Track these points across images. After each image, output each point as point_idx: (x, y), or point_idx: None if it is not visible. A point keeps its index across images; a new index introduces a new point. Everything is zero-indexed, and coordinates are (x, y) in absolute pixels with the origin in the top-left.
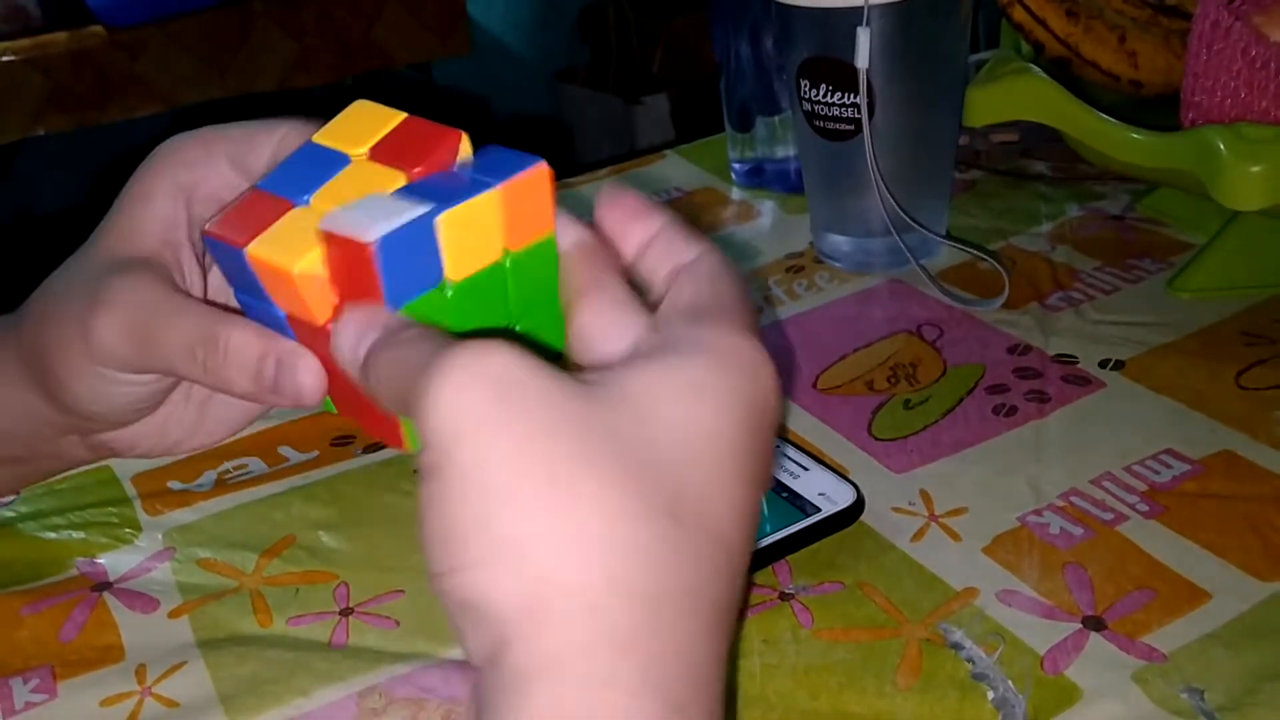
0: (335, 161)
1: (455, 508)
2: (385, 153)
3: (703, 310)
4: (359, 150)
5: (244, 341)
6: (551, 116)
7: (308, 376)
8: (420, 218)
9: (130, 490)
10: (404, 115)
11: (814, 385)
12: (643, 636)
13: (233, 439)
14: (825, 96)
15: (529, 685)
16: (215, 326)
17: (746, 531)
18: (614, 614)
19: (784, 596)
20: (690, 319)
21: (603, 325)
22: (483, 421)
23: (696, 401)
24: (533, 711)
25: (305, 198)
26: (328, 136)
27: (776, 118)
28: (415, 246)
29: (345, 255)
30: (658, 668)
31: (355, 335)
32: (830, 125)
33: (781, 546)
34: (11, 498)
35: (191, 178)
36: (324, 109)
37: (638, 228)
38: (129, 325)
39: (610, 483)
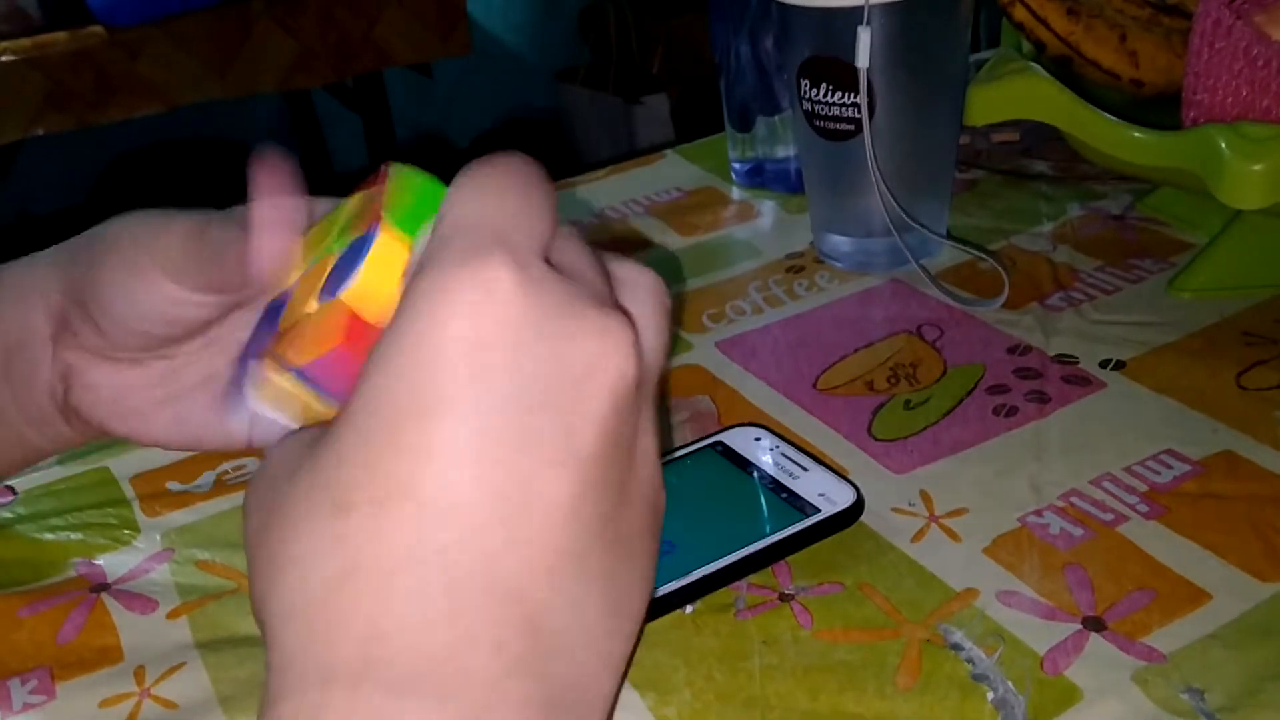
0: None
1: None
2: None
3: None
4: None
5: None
6: (551, 116)
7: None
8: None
9: (129, 491)
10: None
11: (814, 385)
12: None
13: None
14: (825, 96)
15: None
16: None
17: (585, 542)
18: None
19: (784, 597)
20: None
21: None
22: (249, 501)
23: (520, 357)
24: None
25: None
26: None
27: (777, 117)
28: None
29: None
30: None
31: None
32: (830, 125)
33: (781, 547)
34: (10, 498)
35: None
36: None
37: None
38: (197, 232)
39: (293, 509)
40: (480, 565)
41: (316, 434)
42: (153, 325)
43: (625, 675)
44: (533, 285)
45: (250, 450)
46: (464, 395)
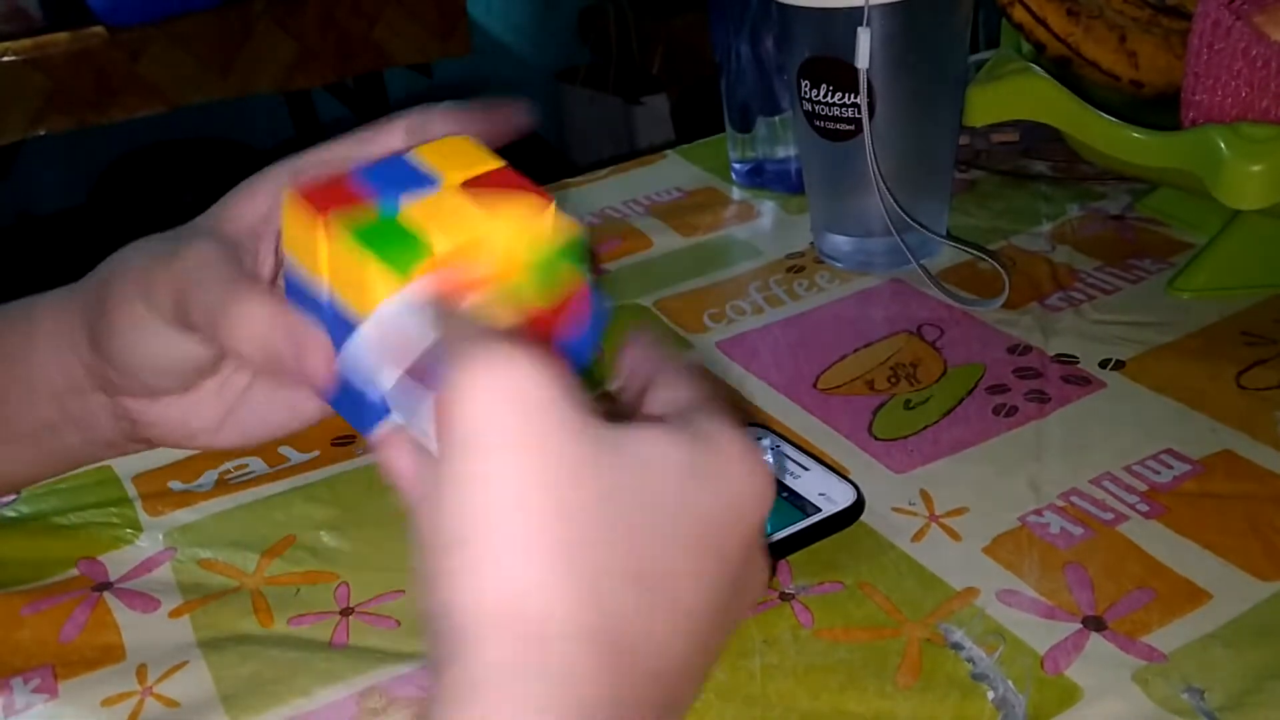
0: (428, 181)
1: (454, 511)
2: (475, 189)
3: (700, 402)
4: (452, 179)
5: (255, 310)
6: (551, 116)
7: (316, 351)
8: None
9: (131, 490)
10: (501, 162)
11: (814, 385)
12: (582, 679)
13: None
14: (825, 96)
15: (462, 700)
16: (237, 292)
17: (709, 620)
18: (560, 651)
19: (784, 596)
20: (691, 408)
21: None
22: (506, 439)
23: (698, 486)
24: None
25: (394, 206)
26: (428, 154)
27: (777, 118)
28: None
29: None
30: (591, 709)
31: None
32: (830, 125)
33: (782, 546)
34: (12, 496)
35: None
36: (324, 109)
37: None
38: (179, 281)
39: (600, 539)
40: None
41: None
42: (176, 367)
43: None
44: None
45: (251, 450)
46: (733, 563)
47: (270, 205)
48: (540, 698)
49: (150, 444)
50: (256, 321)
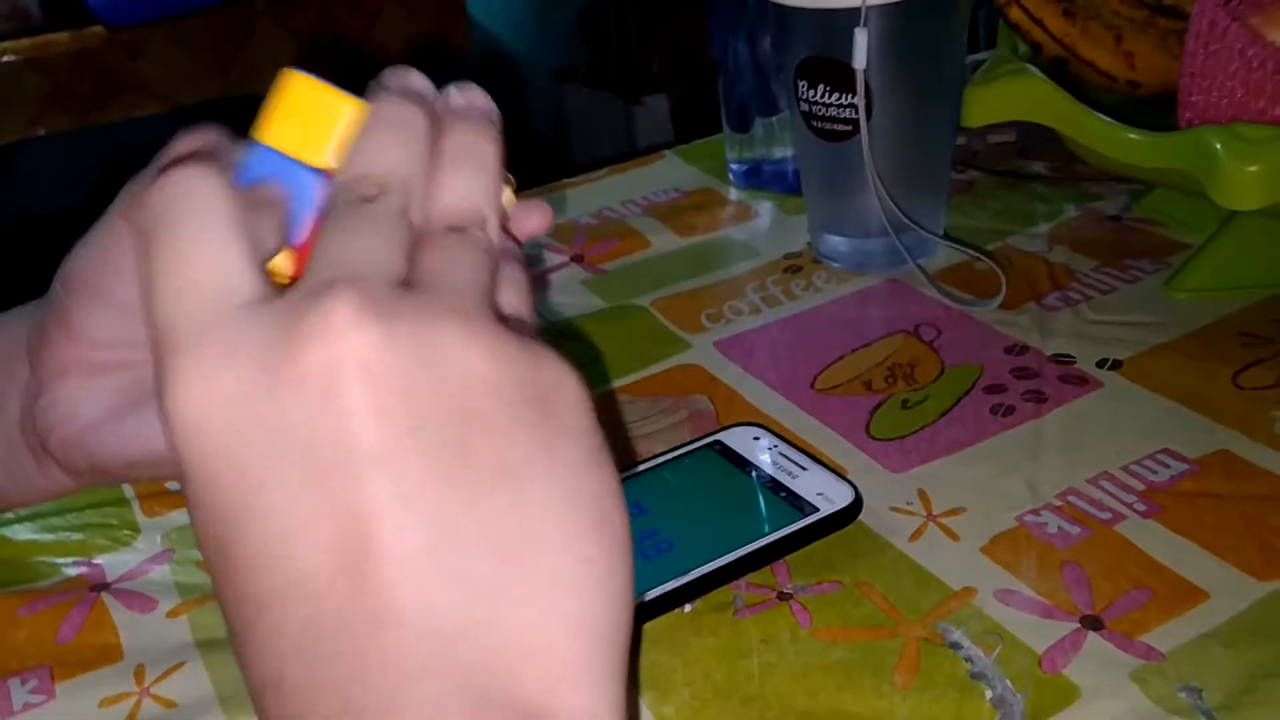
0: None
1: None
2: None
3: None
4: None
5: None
6: (551, 116)
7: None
8: None
9: (128, 491)
10: (355, 102)
11: (812, 385)
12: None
13: None
14: (823, 97)
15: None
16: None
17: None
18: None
19: (782, 596)
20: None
21: None
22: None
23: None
24: None
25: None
26: (279, 136)
27: (774, 118)
28: None
29: None
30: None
31: None
32: (828, 126)
33: (780, 546)
34: None
35: None
36: None
37: None
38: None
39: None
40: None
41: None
42: (111, 276)
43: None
44: (388, 316)
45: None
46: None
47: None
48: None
49: (35, 452)
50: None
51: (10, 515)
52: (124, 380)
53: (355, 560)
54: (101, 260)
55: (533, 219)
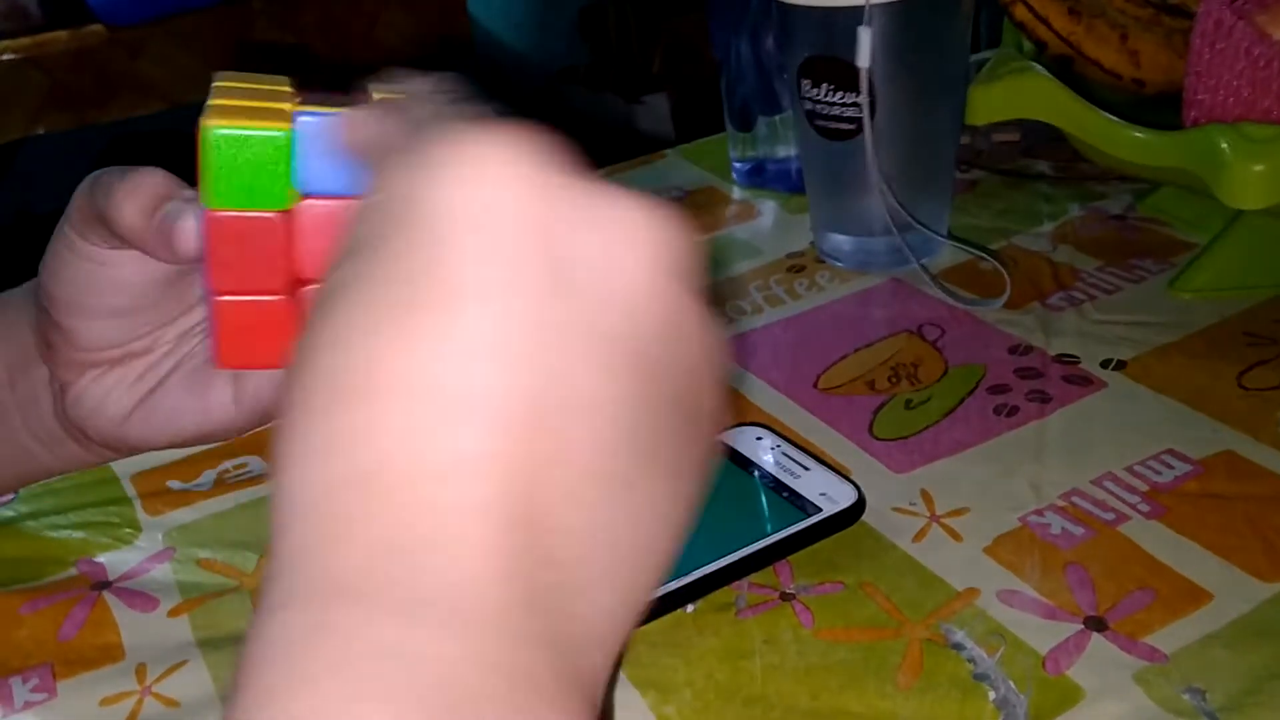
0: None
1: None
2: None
3: None
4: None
5: (152, 181)
6: (552, 116)
7: (188, 225)
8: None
9: (130, 490)
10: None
11: (815, 385)
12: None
13: (233, 440)
14: (826, 96)
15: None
16: (141, 175)
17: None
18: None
19: (785, 596)
20: None
21: None
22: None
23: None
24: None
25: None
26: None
27: (777, 117)
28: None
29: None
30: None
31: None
32: (831, 125)
33: (782, 546)
34: (10, 496)
35: None
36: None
37: None
38: (94, 185)
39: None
40: (504, 484)
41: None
42: (95, 296)
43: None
44: (559, 166)
45: (250, 449)
46: (489, 280)
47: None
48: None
49: (77, 437)
50: (149, 189)
51: (12, 514)
52: (141, 366)
53: None
54: (77, 280)
55: None
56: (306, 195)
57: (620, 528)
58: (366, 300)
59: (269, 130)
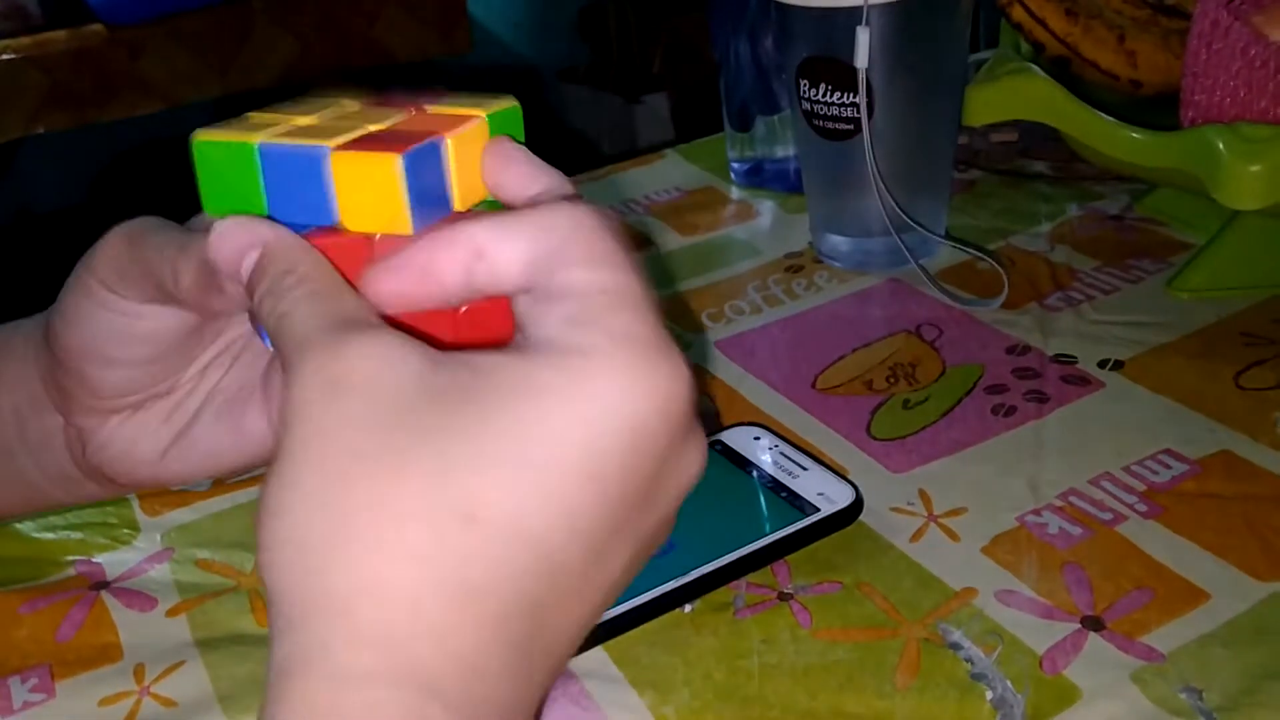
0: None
1: (269, 487)
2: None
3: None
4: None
5: (197, 249)
6: (552, 116)
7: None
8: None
9: None
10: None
11: (813, 385)
12: (411, 639)
13: None
14: (824, 96)
15: (285, 679)
16: (192, 237)
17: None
18: (373, 613)
19: (783, 596)
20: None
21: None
22: (311, 424)
23: (556, 413)
24: (286, 706)
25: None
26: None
27: (776, 117)
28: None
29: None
30: (422, 667)
31: (236, 247)
32: (829, 125)
33: (780, 546)
34: None
35: None
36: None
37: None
38: (128, 238)
39: (407, 486)
40: (551, 634)
41: (431, 376)
42: (120, 349)
43: None
44: (690, 406)
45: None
46: (611, 477)
47: None
48: (362, 664)
49: (99, 479)
50: (167, 242)
51: None
52: (167, 407)
53: None
54: (101, 332)
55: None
56: (272, 218)
57: (578, 626)
58: (481, 428)
59: (237, 140)
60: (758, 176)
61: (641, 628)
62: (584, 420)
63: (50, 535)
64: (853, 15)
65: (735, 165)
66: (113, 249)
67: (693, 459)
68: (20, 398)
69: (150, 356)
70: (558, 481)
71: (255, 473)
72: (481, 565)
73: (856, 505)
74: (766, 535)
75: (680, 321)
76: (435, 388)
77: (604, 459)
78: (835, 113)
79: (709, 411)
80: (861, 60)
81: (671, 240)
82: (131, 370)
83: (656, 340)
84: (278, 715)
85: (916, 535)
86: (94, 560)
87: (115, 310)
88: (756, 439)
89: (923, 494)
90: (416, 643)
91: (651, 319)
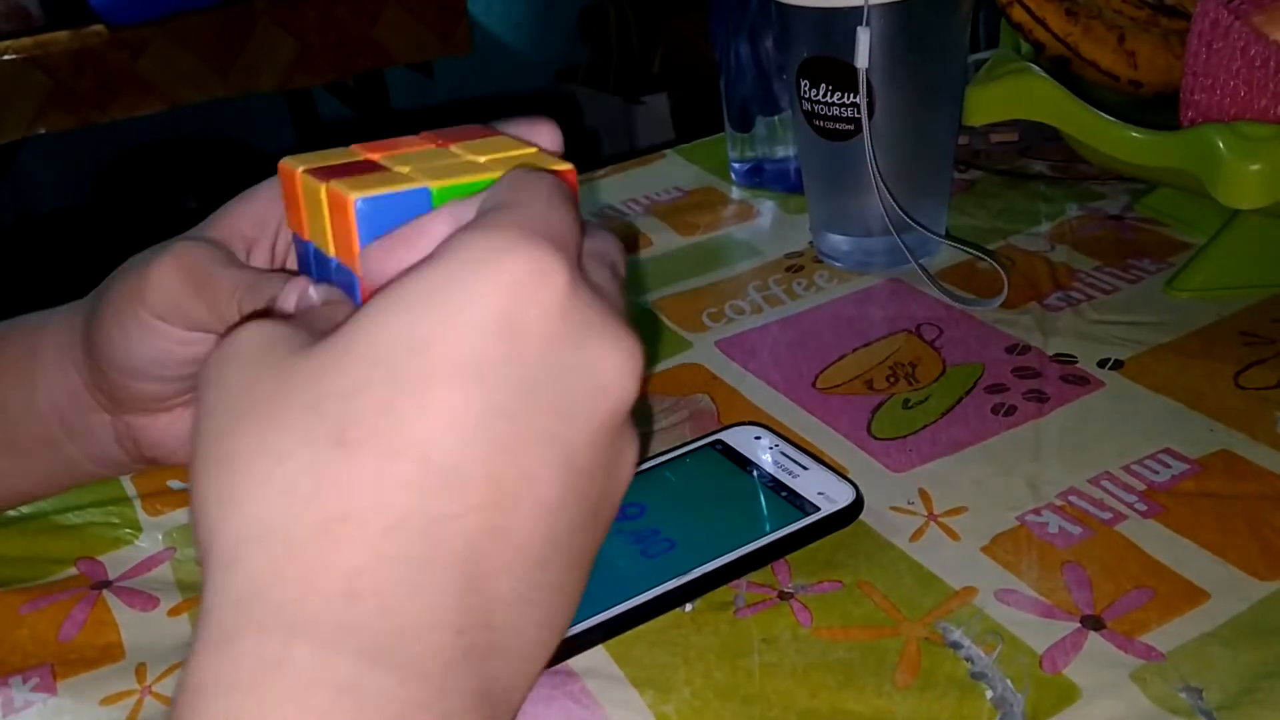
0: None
1: (191, 469)
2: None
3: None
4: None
5: (237, 274)
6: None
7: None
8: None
9: (130, 490)
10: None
11: (813, 384)
12: (280, 580)
13: None
14: (825, 96)
15: (195, 644)
16: (261, 276)
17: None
18: (255, 560)
19: (783, 595)
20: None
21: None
22: (210, 377)
23: (405, 318)
24: (193, 664)
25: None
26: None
27: (776, 117)
28: (396, 215)
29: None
30: (293, 606)
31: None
32: (830, 125)
33: (781, 545)
34: None
35: None
36: (325, 108)
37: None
38: (185, 271)
39: (280, 425)
40: (463, 546)
41: (302, 338)
42: (169, 370)
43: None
44: (580, 288)
45: None
46: (490, 372)
47: (262, 213)
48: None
49: (158, 464)
50: (237, 281)
51: (13, 514)
52: None
53: None
54: (150, 356)
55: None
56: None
57: (536, 608)
58: (379, 355)
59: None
60: (758, 177)
61: (642, 627)
62: (443, 323)
63: (52, 535)
64: (853, 15)
65: (735, 165)
66: (166, 279)
67: (602, 355)
68: (59, 397)
69: (184, 372)
70: (425, 387)
71: None
72: (355, 489)
73: (857, 504)
74: (767, 534)
75: (681, 321)
76: (313, 340)
77: (470, 357)
78: (835, 113)
79: (645, 412)
80: (862, 60)
81: (672, 240)
82: (181, 383)
83: (513, 234)
84: (185, 679)
85: (917, 534)
86: (96, 559)
87: (169, 339)
88: (757, 438)
89: (923, 493)
90: (285, 585)
91: (522, 218)
